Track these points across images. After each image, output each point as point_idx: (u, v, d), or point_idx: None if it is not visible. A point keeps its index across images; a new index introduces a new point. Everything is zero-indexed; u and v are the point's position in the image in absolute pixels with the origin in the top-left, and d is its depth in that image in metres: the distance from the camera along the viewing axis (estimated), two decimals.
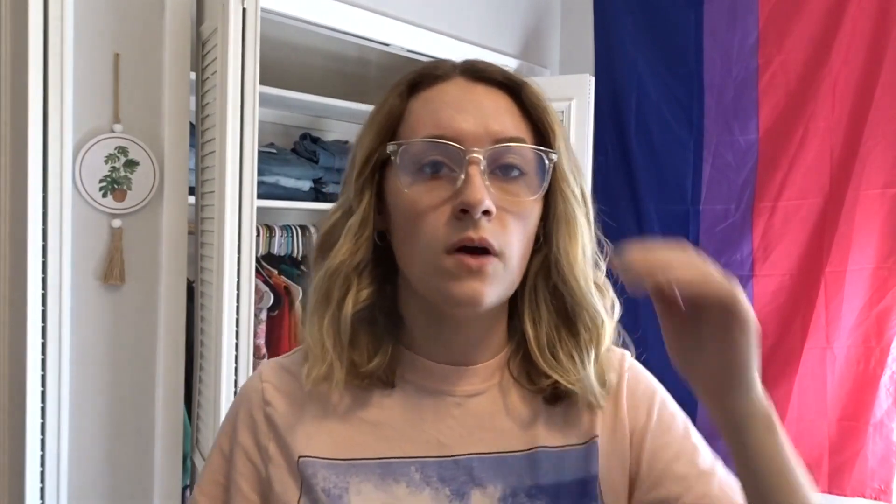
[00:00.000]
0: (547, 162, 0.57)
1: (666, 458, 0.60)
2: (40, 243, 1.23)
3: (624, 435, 0.61)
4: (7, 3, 1.25)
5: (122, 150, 1.34)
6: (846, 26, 1.90)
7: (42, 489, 1.25)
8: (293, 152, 2.28)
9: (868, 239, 1.87)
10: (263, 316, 1.91)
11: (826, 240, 1.93)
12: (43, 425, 1.25)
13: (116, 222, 1.35)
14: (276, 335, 1.94)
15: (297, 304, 1.98)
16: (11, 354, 1.28)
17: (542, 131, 0.60)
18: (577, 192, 0.60)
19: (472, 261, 0.54)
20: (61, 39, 1.22)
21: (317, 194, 2.27)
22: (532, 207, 0.58)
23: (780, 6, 2.01)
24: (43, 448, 1.25)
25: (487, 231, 0.54)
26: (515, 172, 0.57)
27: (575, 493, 0.59)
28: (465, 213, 0.54)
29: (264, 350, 1.90)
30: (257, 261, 1.98)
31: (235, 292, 1.32)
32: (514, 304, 0.63)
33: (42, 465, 1.25)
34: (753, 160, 2.06)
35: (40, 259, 1.23)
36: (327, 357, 0.59)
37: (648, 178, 2.18)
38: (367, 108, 2.49)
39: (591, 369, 0.60)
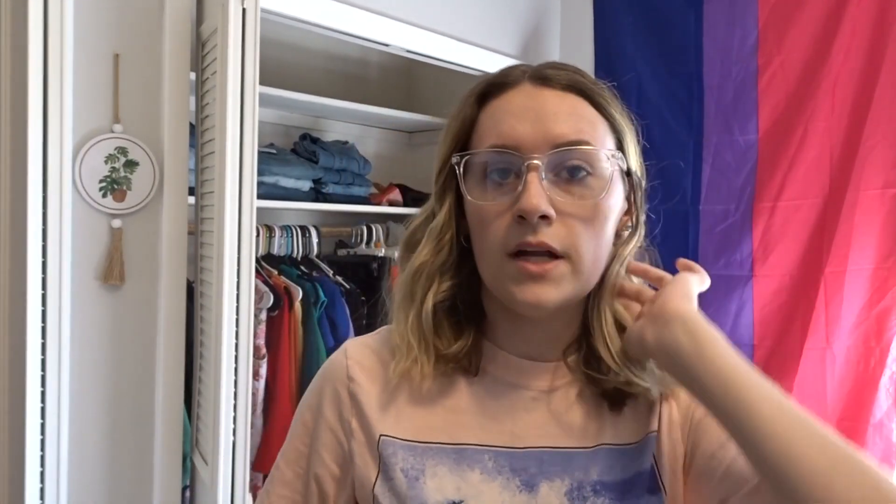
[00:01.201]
0: (608, 162, 0.59)
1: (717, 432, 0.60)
2: (40, 243, 1.23)
3: (685, 420, 0.62)
4: (7, 3, 1.25)
5: (122, 151, 1.34)
6: (846, 26, 1.90)
7: (42, 489, 1.25)
8: (293, 152, 2.28)
9: (868, 239, 1.86)
10: (263, 316, 1.90)
11: (826, 240, 1.93)
12: (43, 425, 1.25)
13: (116, 222, 1.35)
14: (275, 335, 1.94)
15: (297, 305, 1.98)
16: (11, 354, 1.28)
17: (616, 131, 0.61)
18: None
19: (533, 267, 0.57)
20: (61, 39, 1.22)
21: (316, 194, 2.27)
22: (601, 207, 0.59)
23: (780, 6, 2.01)
24: (43, 448, 1.25)
25: (547, 235, 0.57)
26: (582, 174, 0.58)
27: (637, 487, 0.60)
28: (523, 219, 0.56)
29: (264, 350, 1.90)
30: (257, 261, 1.98)
31: (235, 292, 1.32)
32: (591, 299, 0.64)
33: (42, 465, 1.25)
34: (753, 160, 2.06)
35: (40, 259, 1.23)
36: (412, 353, 0.62)
37: (648, 178, 2.18)
38: (367, 108, 2.50)
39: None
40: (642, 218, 0.64)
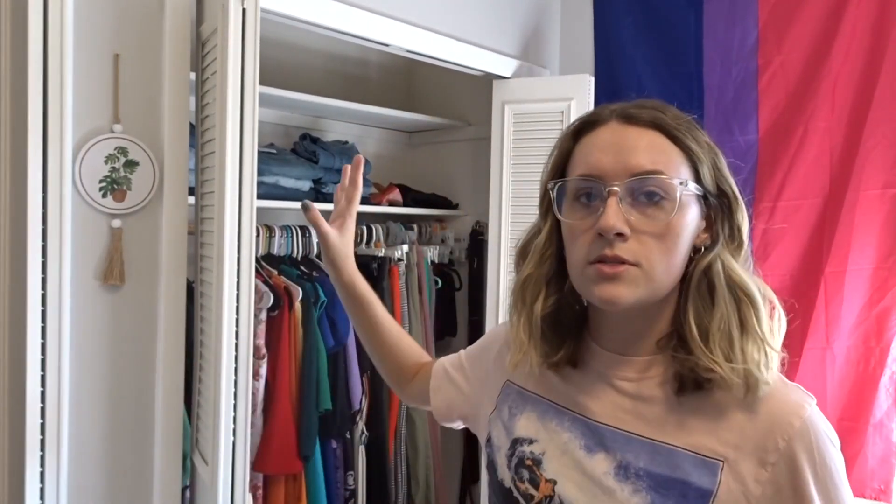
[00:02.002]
0: (679, 188, 0.69)
1: None
2: (40, 243, 1.23)
3: (759, 482, 0.67)
4: (7, 3, 1.25)
5: (122, 151, 1.34)
6: (846, 26, 1.90)
7: (42, 489, 1.25)
8: (293, 152, 2.28)
9: (868, 239, 1.86)
10: (263, 316, 1.90)
11: (826, 240, 1.93)
12: (43, 425, 1.25)
13: (116, 222, 1.35)
14: (275, 335, 1.94)
15: (297, 305, 1.98)
16: (11, 354, 1.28)
17: (692, 160, 0.72)
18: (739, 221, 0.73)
19: (606, 269, 0.69)
20: (61, 39, 1.22)
21: (316, 195, 2.27)
22: (672, 225, 0.70)
23: (780, 6, 2.01)
24: (43, 448, 1.25)
25: (621, 249, 0.69)
26: (657, 198, 0.70)
27: (681, 494, 0.68)
28: (601, 236, 0.69)
29: (264, 350, 1.90)
30: (257, 261, 1.98)
31: (235, 292, 1.32)
32: (679, 307, 0.74)
33: (42, 465, 1.25)
34: (753, 160, 2.06)
35: (40, 259, 1.23)
36: (523, 348, 0.79)
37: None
38: (367, 108, 2.51)
39: (741, 362, 0.68)
40: (724, 232, 0.73)
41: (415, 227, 2.65)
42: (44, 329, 1.24)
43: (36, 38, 1.20)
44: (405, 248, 2.43)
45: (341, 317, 2.09)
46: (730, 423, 0.69)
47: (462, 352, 1.00)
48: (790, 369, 2.13)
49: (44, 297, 1.24)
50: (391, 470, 2.32)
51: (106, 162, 1.33)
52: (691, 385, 0.70)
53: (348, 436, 2.15)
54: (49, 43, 1.21)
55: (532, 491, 0.76)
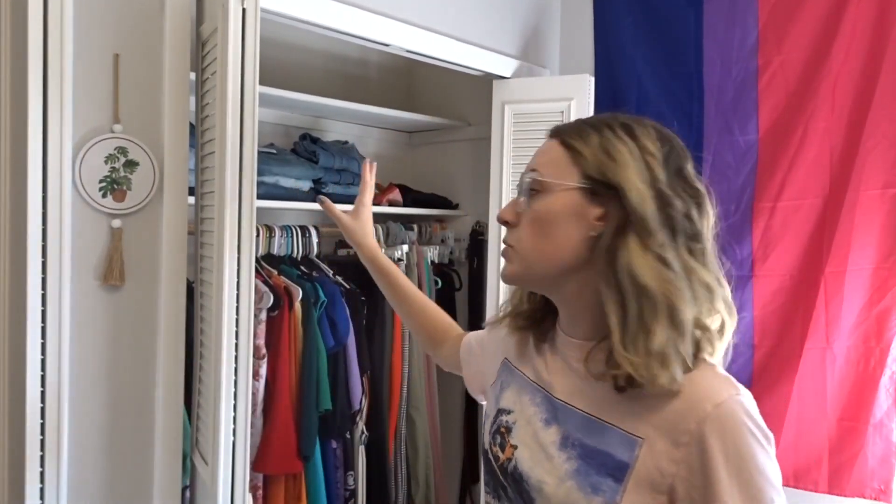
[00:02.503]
0: (534, 180, 0.83)
1: None
2: (40, 243, 1.23)
3: (673, 462, 0.72)
4: (7, 3, 1.25)
5: (122, 151, 1.34)
6: (846, 26, 1.90)
7: (42, 489, 1.25)
8: (293, 152, 2.28)
9: (868, 239, 1.86)
10: (263, 316, 1.90)
11: (826, 240, 1.93)
12: (43, 425, 1.25)
13: (116, 222, 1.35)
14: (275, 335, 1.94)
15: (297, 305, 1.98)
16: (11, 354, 1.28)
17: (580, 163, 0.82)
18: (643, 214, 0.77)
19: (502, 251, 0.88)
20: (61, 39, 1.22)
21: (316, 195, 2.27)
22: (537, 211, 0.82)
23: (780, 6, 2.01)
24: (43, 448, 1.25)
25: (508, 234, 0.86)
26: (533, 192, 0.84)
27: (601, 464, 0.77)
28: None
29: (264, 350, 1.90)
30: (257, 261, 1.98)
31: (235, 292, 1.32)
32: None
33: (42, 465, 1.25)
34: (753, 160, 2.06)
35: (40, 259, 1.23)
36: (502, 312, 0.99)
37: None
38: (367, 108, 2.51)
39: (656, 372, 0.73)
40: (619, 221, 0.78)
41: (415, 227, 2.65)
42: (44, 329, 1.24)
43: (36, 38, 1.20)
44: (405, 248, 2.43)
45: (341, 317, 2.09)
46: (653, 406, 0.75)
47: (486, 326, 1.11)
48: (790, 369, 2.14)
49: (44, 297, 1.24)
50: (391, 470, 2.32)
51: (106, 162, 1.33)
52: (621, 383, 0.76)
53: (348, 436, 2.15)
54: (49, 43, 1.21)
55: (500, 454, 0.89)
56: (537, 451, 0.83)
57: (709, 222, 0.81)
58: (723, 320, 0.80)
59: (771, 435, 0.73)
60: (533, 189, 0.83)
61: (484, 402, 1.07)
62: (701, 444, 0.70)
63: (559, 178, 0.81)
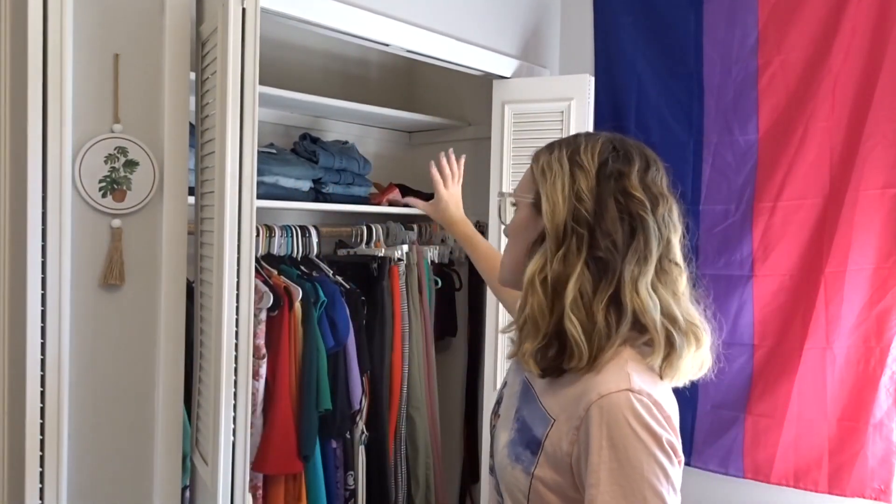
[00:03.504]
0: (513, 199, 0.99)
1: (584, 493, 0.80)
2: (40, 243, 1.23)
3: (570, 443, 0.82)
4: (7, 3, 1.25)
5: (122, 151, 1.34)
6: (846, 26, 1.90)
7: (42, 489, 1.25)
8: (293, 152, 2.28)
9: (868, 239, 1.86)
10: (263, 316, 1.90)
11: (826, 240, 1.93)
12: (42, 425, 1.25)
13: (116, 222, 1.35)
14: (275, 335, 1.94)
15: (297, 305, 1.98)
16: (11, 354, 1.28)
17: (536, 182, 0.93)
18: (553, 222, 0.87)
19: None
20: (61, 39, 1.22)
21: (316, 194, 2.27)
22: (511, 225, 0.98)
23: (780, 6, 2.01)
24: (42, 448, 1.25)
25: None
26: (513, 209, 0.98)
27: (526, 437, 0.88)
28: None
29: (264, 350, 1.90)
30: (257, 261, 1.98)
31: (235, 292, 1.32)
32: None
33: (42, 465, 1.25)
34: (753, 160, 2.06)
35: (40, 259, 1.23)
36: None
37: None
38: (367, 108, 2.50)
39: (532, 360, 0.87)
40: (547, 238, 0.88)
41: (415, 227, 2.65)
42: (44, 329, 1.24)
43: (36, 38, 1.20)
44: (405, 248, 2.43)
45: (341, 317, 2.09)
46: (566, 392, 0.85)
47: None
48: (790, 369, 2.14)
49: (43, 296, 1.24)
50: (391, 470, 2.32)
51: (106, 162, 1.33)
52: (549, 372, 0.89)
53: (348, 436, 2.15)
54: (49, 43, 1.21)
55: (493, 420, 1.03)
56: (504, 422, 0.97)
57: (652, 230, 0.84)
58: (667, 329, 0.84)
59: (664, 436, 0.77)
60: (513, 206, 0.98)
61: None
62: (587, 427, 0.79)
63: (522, 195, 0.94)
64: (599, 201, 0.84)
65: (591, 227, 0.84)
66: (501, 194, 1.03)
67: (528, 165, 0.97)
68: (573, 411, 0.82)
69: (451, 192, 1.57)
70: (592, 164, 0.86)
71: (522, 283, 0.91)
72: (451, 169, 1.59)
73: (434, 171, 1.58)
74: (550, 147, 0.93)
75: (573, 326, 0.82)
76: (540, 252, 0.88)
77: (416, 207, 1.63)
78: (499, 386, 1.10)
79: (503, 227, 1.01)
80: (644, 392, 0.79)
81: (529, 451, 0.86)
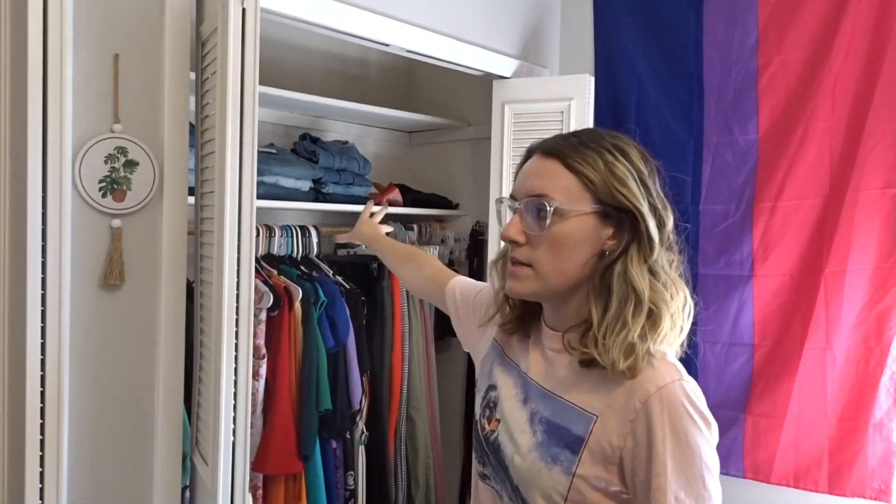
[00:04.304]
0: (548, 207, 0.87)
1: (639, 482, 0.82)
2: (40, 243, 1.23)
3: (622, 436, 0.83)
4: (7, 3, 1.25)
5: (122, 151, 1.34)
6: (846, 26, 1.90)
7: (42, 489, 1.25)
8: (293, 152, 2.28)
9: (868, 239, 1.86)
10: (263, 316, 1.90)
11: (826, 240, 1.93)
12: (42, 425, 1.25)
13: (116, 222, 1.35)
14: (275, 335, 1.94)
15: (297, 305, 1.98)
16: (11, 354, 1.28)
17: (583, 182, 0.89)
18: (649, 234, 0.87)
19: (510, 267, 0.93)
20: (61, 39, 1.22)
21: (316, 194, 2.27)
22: (555, 234, 0.88)
23: (780, 6, 2.01)
24: (42, 448, 1.25)
25: (518, 252, 0.91)
26: (542, 213, 0.88)
27: (561, 437, 0.88)
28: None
29: (264, 350, 1.90)
30: (257, 261, 1.98)
31: (235, 292, 1.32)
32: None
33: (41, 465, 1.25)
34: (753, 160, 2.06)
35: (40, 259, 1.23)
36: (492, 311, 1.06)
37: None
38: (367, 108, 2.51)
39: (617, 357, 0.84)
40: (629, 240, 0.87)
41: (415, 227, 2.65)
42: (44, 329, 1.24)
43: (36, 38, 1.20)
44: None
45: (341, 317, 2.09)
46: (608, 388, 0.85)
47: (470, 295, 1.22)
48: (790, 369, 2.14)
49: (44, 297, 1.24)
50: (391, 470, 2.32)
51: (106, 162, 1.33)
52: (586, 360, 0.88)
53: (348, 436, 2.15)
54: (49, 43, 1.21)
55: (486, 425, 1.00)
56: (513, 426, 0.95)
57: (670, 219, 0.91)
58: (682, 317, 0.90)
59: (713, 421, 0.83)
60: (541, 209, 0.88)
61: (469, 352, 1.24)
62: (645, 420, 0.81)
63: (573, 203, 0.87)
64: (663, 208, 0.90)
65: (664, 235, 0.89)
66: (539, 199, 0.89)
67: (557, 165, 0.89)
68: (624, 405, 0.83)
69: (363, 220, 1.83)
70: (646, 171, 0.89)
71: (559, 293, 0.91)
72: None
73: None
74: (591, 146, 0.89)
75: (666, 306, 0.86)
76: (636, 263, 0.87)
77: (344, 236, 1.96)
78: (479, 388, 1.07)
79: (530, 233, 0.90)
80: (689, 379, 0.85)
81: (569, 451, 0.86)
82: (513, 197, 0.93)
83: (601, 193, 0.87)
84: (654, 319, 0.85)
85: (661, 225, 0.88)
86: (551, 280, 0.90)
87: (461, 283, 1.29)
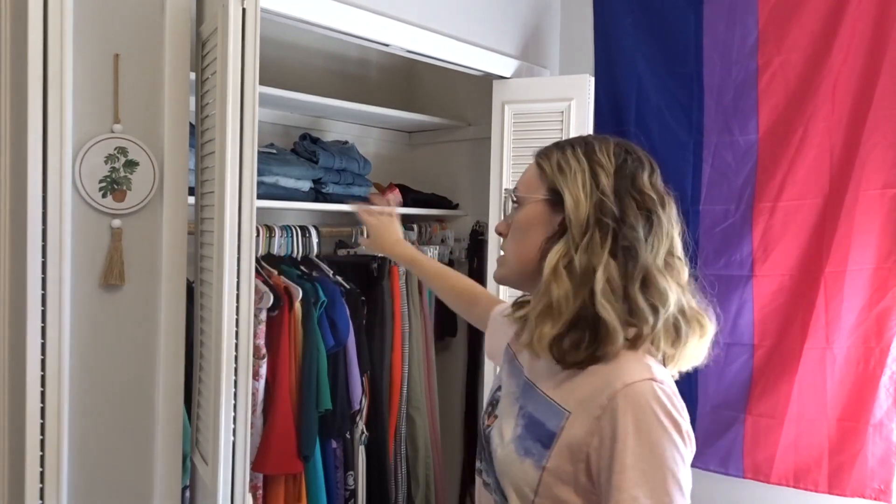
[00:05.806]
0: (513, 197, 1.00)
1: (603, 480, 0.81)
2: (40, 244, 1.23)
3: (589, 433, 0.84)
4: (7, 3, 1.25)
5: (122, 151, 1.34)
6: (846, 26, 1.90)
7: (42, 489, 1.25)
8: (293, 152, 2.28)
9: (868, 239, 1.86)
10: (263, 316, 1.90)
11: (826, 240, 1.93)
12: (43, 425, 1.25)
13: (116, 222, 1.35)
14: (275, 335, 1.94)
15: (297, 305, 1.98)
16: (11, 354, 1.28)
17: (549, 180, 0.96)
18: (577, 215, 0.90)
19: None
20: (61, 40, 1.22)
21: (316, 194, 2.27)
22: (516, 221, 0.98)
23: (780, 6, 2.01)
24: (42, 448, 1.25)
25: (503, 243, 1.02)
26: (516, 205, 1.00)
27: (536, 432, 0.90)
28: None
29: (264, 350, 1.90)
30: (257, 261, 1.98)
31: (235, 292, 1.32)
32: None
33: (42, 465, 1.25)
34: (753, 160, 2.06)
35: (40, 259, 1.23)
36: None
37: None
38: (367, 108, 2.51)
39: (537, 346, 0.90)
40: (567, 225, 0.91)
41: (415, 227, 2.65)
42: (44, 329, 1.24)
43: (36, 39, 1.20)
44: None
45: (341, 317, 2.09)
46: (581, 384, 0.87)
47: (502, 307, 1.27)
48: (790, 369, 2.14)
49: (44, 297, 1.24)
50: (391, 470, 2.32)
51: (106, 162, 1.33)
52: (561, 363, 0.90)
53: (348, 436, 2.15)
54: (49, 43, 1.21)
55: (486, 421, 1.04)
56: (504, 420, 0.98)
57: (664, 225, 0.91)
58: (678, 322, 0.89)
59: (683, 424, 0.81)
60: (515, 203, 0.99)
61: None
62: (610, 417, 0.81)
63: (530, 192, 0.96)
64: (619, 197, 0.90)
65: (616, 219, 0.88)
66: (508, 191, 1.02)
67: (532, 164, 0.99)
68: (593, 402, 0.84)
69: (379, 219, 1.58)
70: (610, 163, 0.91)
71: (525, 276, 0.97)
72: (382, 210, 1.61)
73: (359, 209, 1.60)
74: (559, 146, 0.96)
75: (607, 312, 0.85)
76: (561, 243, 0.90)
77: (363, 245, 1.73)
78: (490, 389, 1.10)
79: (508, 223, 1.01)
80: (665, 381, 0.84)
81: (541, 445, 0.87)
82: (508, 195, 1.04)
83: (549, 182, 0.94)
84: (553, 312, 0.89)
85: (600, 212, 0.88)
86: (513, 264, 0.99)
87: (500, 307, 1.31)
